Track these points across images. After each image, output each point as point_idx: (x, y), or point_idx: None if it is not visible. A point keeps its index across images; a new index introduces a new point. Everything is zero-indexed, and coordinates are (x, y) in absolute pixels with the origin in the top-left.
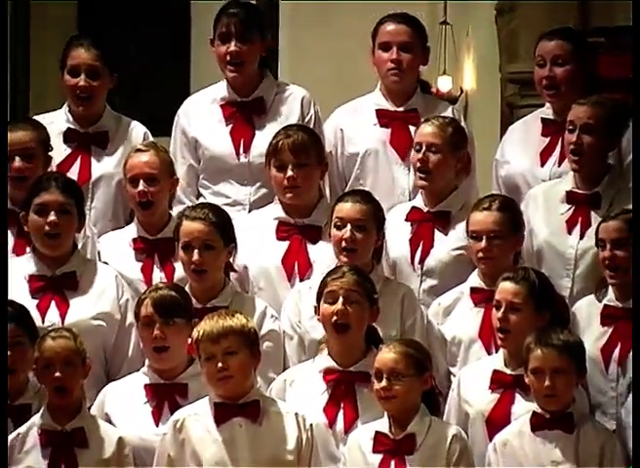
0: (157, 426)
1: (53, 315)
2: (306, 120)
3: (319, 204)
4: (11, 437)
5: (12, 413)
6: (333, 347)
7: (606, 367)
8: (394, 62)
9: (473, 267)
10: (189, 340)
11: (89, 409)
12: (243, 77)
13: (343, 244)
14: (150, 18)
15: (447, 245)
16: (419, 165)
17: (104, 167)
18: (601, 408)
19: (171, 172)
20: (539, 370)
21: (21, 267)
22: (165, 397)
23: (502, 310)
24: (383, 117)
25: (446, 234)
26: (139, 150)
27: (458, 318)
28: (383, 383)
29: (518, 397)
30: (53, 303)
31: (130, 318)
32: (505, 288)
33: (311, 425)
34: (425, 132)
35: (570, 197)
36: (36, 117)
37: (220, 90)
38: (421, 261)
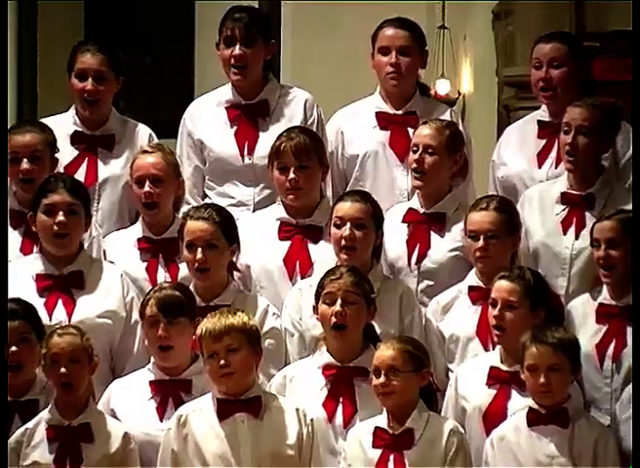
0: (161, 421)
1: (60, 313)
2: (309, 122)
3: (320, 205)
4: (19, 432)
5: (19, 409)
6: (331, 345)
7: (600, 363)
8: (393, 66)
9: (469, 267)
10: (194, 338)
11: (96, 404)
12: (247, 80)
13: (343, 242)
14: (155, 23)
15: (443, 246)
16: (414, 165)
17: (111, 169)
18: (595, 403)
19: (177, 173)
20: (534, 367)
21: (29, 266)
22: (169, 393)
23: (498, 308)
24: (383, 120)
25: (442, 235)
26: (145, 151)
27: (456, 315)
28: (382, 379)
29: (514, 393)
30: (60, 302)
31: (135, 316)
32: (501, 286)
33: (312, 420)
34: (423, 133)
35: (565, 198)
36: (43, 120)
37: (225, 93)
38: (418, 262)
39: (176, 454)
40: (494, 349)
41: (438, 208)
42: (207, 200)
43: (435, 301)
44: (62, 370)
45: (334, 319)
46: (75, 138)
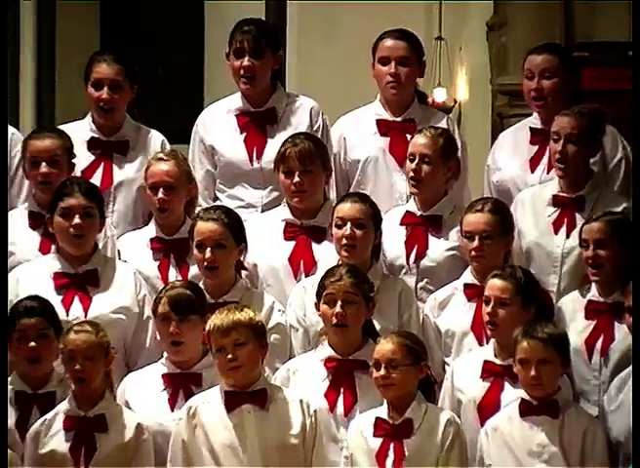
0: (172, 412)
1: (76, 309)
2: (315, 129)
3: (324, 206)
4: (38, 422)
5: (37, 401)
6: (333, 340)
7: (589, 357)
8: (393, 76)
9: (465, 265)
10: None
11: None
12: (256, 89)
13: (344, 241)
14: (167, 36)
15: (440, 246)
16: (412, 174)
17: (125, 173)
18: (584, 395)
19: (189, 179)
20: (525, 360)
21: (47, 265)
22: (180, 385)
23: (491, 305)
24: (383, 127)
25: (439, 236)
26: (160, 159)
27: (452, 312)
28: (382, 372)
29: (507, 385)
30: (76, 299)
31: (147, 312)
32: (494, 284)
33: (315, 411)
34: (418, 143)
35: (556, 200)
36: (61, 126)
37: (235, 101)
38: (416, 261)
39: (186, 444)
40: (488, 344)
41: (434, 211)
42: (218, 202)
43: (432, 298)
44: (77, 366)
45: (334, 319)
46: (91, 144)
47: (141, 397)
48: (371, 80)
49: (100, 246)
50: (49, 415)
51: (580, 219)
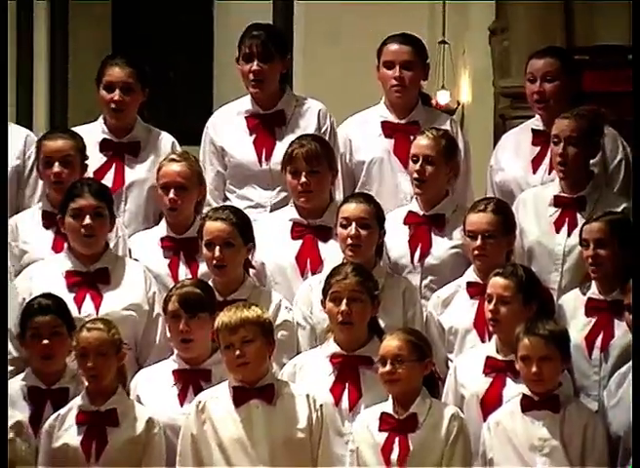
0: (182, 407)
1: (88, 307)
2: (322, 131)
3: (330, 206)
4: (52, 417)
5: (51, 396)
6: (338, 336)
7: (589, 353)
8: (397, 80)
9: (468, 263)
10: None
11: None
12: (265, 93)
13: (349, 241)
14: (177, 41)
15: (444, 244)
16: (416, 175)
17: (137, 173)
18: (585, 390)
19: (200, 180)
20: (527, 357)
21: (59, 264)
22: (190, 381)
23: (494, 303)
24: (388, 128)
25: (442, 235)
26: (173, 159)
27: (455, 309)
28: (388, 367)
29: (509, 381)
30: (88, 296)
31: (157, 309)
32: (496, 282)
33: (321, 406)
34: (421, 144)
35: (557, 201)
36: (74, 128)
37: (245, 103)
38: (421, 260)
39: (195, 438)
40: (490, 340)
41: (437, 210)
42: (227, 202)
43: (436, 296)
44: (89, 363)
45: (340, 317)
46: (103, 145)
47: (152, 392)
48: (376, 82)
49: (112, 245)
50: (63, 410)
51: (580, 219)
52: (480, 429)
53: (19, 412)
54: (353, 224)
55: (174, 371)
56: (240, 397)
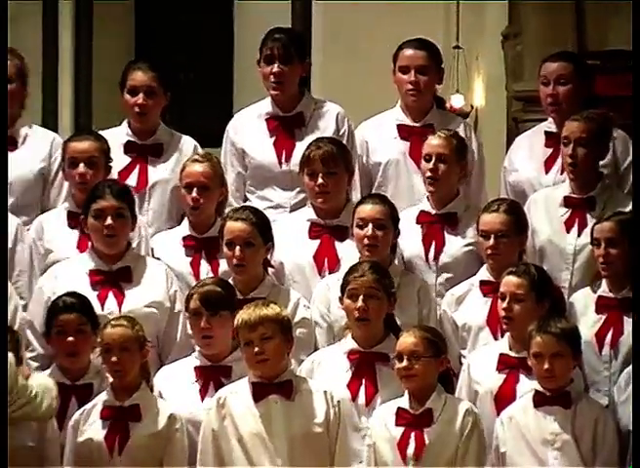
0: (203, 402)
1: (111, 304)
2: (341, 133)
3: (346, 207)
4: (78, 412)
5: (76, 392)
6: (356, 333)
7: (600, 350)
8: (412, 84)
9: (482, 262)
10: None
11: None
12: (285, 94)
13: (366, 241)
14: (198, 45)
15: (458, 242)
16: (429, 174)
17: (160, 173)
18: (595, 385)
19: (222, 181)
20: (539, 354)
21: (83, 263)
22: (211, 377)
23: (507, 300)
24: (403, 131)
25: (455, 233)
26: (196, 160)
27: (468, 307)
28: (405, 363)
29: (522, 377)
30: (110, 294)
31: (178, 306)
32: (509, 281)
33: (339, 401)
34: (434, 143)
35: (567, 201)
36: (100, 132)
37: (265, 106)
38: (436, 258)
39: (215, 432)
40: (502, 337)
41: (449, 208)
42: (248, 203)
43: (450, 294)
44: (113, 358)
45: (357, 313)
46: (128, 147)
47: (174, 388)
48: (392, 85)
49: (135, 245)
50: (88, 406)
51: (590, 219)
52: (493, 424)
53: None
54: (370, 225)
55: (195, 368)
56: (259, 392)
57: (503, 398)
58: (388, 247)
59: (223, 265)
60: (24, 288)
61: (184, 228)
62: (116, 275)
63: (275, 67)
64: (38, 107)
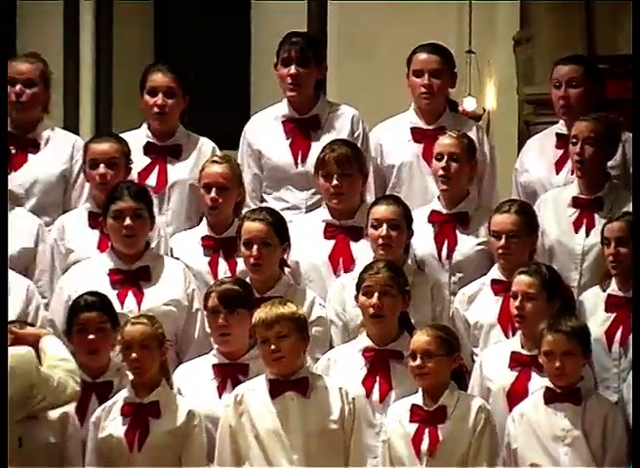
0: (220, 399)
1: (130, 303)
2: (355, 135)
3: (361, 208)
4: (99, 409)
5: (96, 389)
6: (370, 331)
7: (609, 347)
8: (426, 87)
9: (494, 261)
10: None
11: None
12: (301, 96)
13: (380, 241)
14: (215, 49)
15: (470, 241)
16: (442, 172)
17: (179, 174)
18: (605, 383)
19: (240, 182)
20: (550, 352)
21: (103, 263)
22: (229, 375)
23: (519, 299)
24: (417, 134)
25: (467, 232)
26: (215, 161)
27: (480, 305)
28: (418, 362)
29: (534, 374)
30: (130, 293)
31: (196, 305)
32: (521, 280)
33: (353, 398)
34: (445, 143)
35: (576, 202)
36: (121, 134)
37: (281, 108)
38: (448, 257)
39: (233, 429)
40: (513, 336)
41: (461, 208)
42: (264, 204)
43: (461, 293)
44: (134, 355)
45: (372, 310)
46: (147, 148)
47: (192, 385)
48: (406, 89)
49: (154, 244)
50: (109, 402)
51: (598, 219)
52: (504, 420)
53: None
54: (384, 225)
55: (213, 366)
56: (276, 389)
57: (515, 395)
58: (402, 247)
59: (241, 265)
60: (46, 287)
61: (203, 228)
62: (135, 274)
63: (292, 69)
64: (59, 110)
